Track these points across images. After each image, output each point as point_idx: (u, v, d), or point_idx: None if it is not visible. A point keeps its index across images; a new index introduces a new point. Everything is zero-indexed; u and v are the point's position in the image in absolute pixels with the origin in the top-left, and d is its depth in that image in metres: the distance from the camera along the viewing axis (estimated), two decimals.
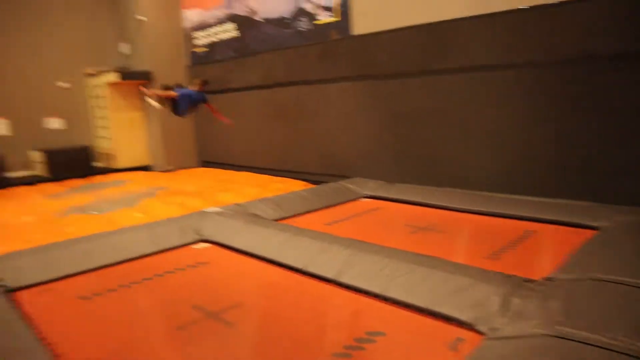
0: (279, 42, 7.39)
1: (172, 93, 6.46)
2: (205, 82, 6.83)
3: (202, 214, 4.63)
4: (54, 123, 9.45)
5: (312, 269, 3.22)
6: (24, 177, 8.60)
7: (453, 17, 5.20)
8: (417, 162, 5.92)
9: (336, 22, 6.49)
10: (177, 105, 6.51)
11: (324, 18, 6.62)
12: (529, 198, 4.54)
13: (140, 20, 9.09)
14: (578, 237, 3.51)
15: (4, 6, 8.90)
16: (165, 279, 3.28)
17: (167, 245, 3.97)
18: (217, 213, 4.63)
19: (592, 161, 4.41)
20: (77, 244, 3.74)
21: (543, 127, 4.71)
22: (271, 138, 7.91)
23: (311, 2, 6.77)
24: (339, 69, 6.54)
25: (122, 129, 9.36)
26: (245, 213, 4.68)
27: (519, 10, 4.67)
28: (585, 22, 4.29)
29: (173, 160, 9.47)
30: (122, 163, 9.29)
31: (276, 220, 4.68)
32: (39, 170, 8.76)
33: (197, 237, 4.18)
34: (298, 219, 4.81)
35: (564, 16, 4.41)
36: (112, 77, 8.94)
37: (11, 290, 3.04)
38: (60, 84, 9.49)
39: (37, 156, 8.79)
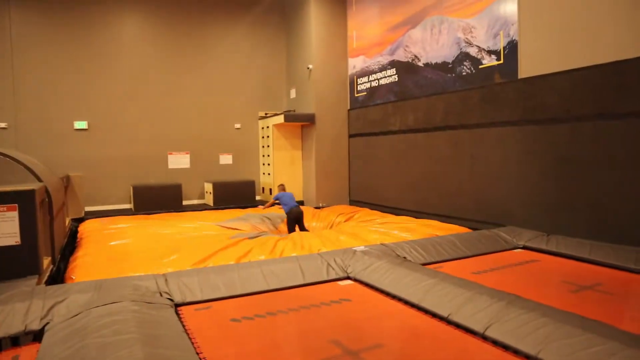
0: (440, 87, 7.31)
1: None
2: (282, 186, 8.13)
3: (349, 251, 4.64)
4: (226, 159, 10.55)
5: (457, 319, 2.97)
6: (195, 205, 9.70)
7: (629, 57, 4.60)
8: (580, 214, 5.25)
9: (499, 65, 6.20)
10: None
11: (489, 62, 6.38)
12: None
13: (308, 68, 9.80)
14: None
15: (192, 54, 10.38)
16: (310, 311, 3.30)
17: (314, 279, 4.04)
18: (364, 252, 4.61)
19: None
20: (234, 270, 3.98)
21: None
22: (427, 180, 7.74)
23: (476, 46, 6.59)
24: (501, 112, 6.19)
25: (282, 166, 10.05)
26: (391, 254, 4.59)
27: None
28: None
29: (323, 198, 9.81)
30: None
31: (423, 264, 4.51)
32: (208, 199, 9.79)
33: (343, 274, 4.19)
34: (445, 265, 4.56)
35: None
36: (278, 119, 9.71)
37: (177, 305, 3.33)
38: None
39: (208, 187, 9.85)
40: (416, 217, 7.50)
